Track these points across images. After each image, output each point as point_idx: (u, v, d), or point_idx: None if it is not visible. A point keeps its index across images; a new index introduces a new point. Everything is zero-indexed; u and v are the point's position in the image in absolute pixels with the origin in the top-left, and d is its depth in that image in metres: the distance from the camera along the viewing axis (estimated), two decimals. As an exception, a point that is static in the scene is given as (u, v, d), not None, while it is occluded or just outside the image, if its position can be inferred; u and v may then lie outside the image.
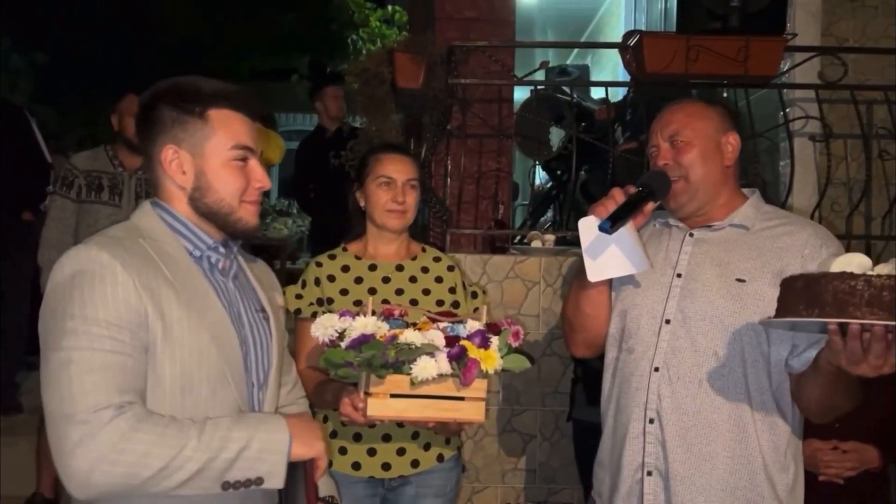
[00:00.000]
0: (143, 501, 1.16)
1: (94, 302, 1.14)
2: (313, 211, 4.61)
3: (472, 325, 1.60)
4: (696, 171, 1.62)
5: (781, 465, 1.55)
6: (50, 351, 1.14)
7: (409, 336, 1.51)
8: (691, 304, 1.58)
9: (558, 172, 4.43)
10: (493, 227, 3.43)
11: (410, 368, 1.50)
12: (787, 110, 3.26)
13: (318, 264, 1.98)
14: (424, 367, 1.49)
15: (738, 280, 1.56)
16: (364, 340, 1.51)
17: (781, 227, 1.62)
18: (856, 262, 1.23)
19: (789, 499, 1.56)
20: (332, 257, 2.00)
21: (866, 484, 2.14)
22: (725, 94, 3.21)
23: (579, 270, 1.64)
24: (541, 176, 4.75)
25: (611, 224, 1.50)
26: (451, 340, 1.55)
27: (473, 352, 1.53)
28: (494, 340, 1.57)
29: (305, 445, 1.22)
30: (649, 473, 1.58)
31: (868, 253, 3.28)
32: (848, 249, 3.18)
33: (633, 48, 3.00)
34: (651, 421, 1.58)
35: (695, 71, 2.87)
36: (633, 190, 1.57)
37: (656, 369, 1.58)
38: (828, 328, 1.24)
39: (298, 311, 1.94)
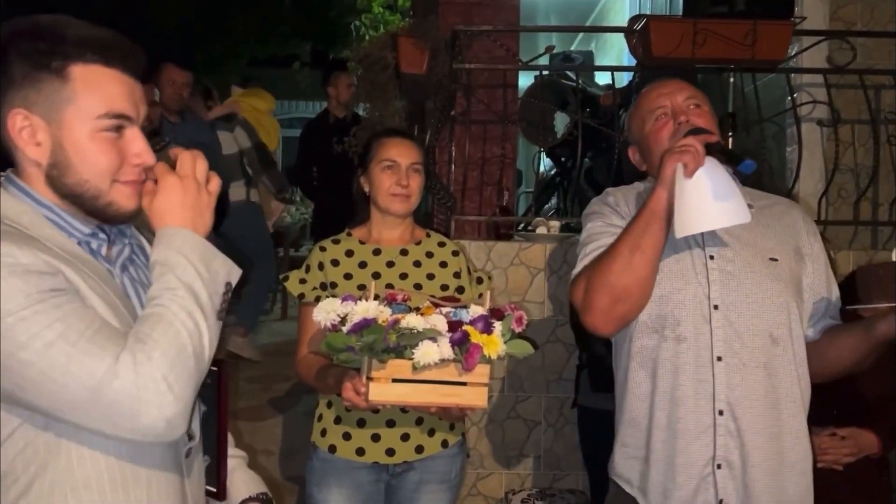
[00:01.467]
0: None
1: (16, 288, 0.94)
2: (317, 197, 4.59)
3: (475, 311, 1.59)
4: (712, 137, 1.56)
5: (807, 434, 1.59)
6: (14, 353, 0.94)
7: (411, 321, 1.50)
8: (737, 288, 1.53)
9: (562, 159, 4.40)
10: (498, 213, 3.41)
11: (412, 353, 1.49)
12: (795, 95, 3.23)
13: (322, 249, 1.97)
14: (426, 352, 1.48)
15: (772, 259, 1.55)
16: (365, 325, 1.49)
17: (776, 206, 1.65)
18: None
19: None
20: (337, 242, 1.99)
21: (866, 471, 2.13)
22: (732, 79, 3.18)
23: (633, 228, 1.50)
24: (545, 163, 4.72)
25: (752, 161, 1.43)
26: (454, 325, 1.54)
27: (476, 337, 1.52)
28: (497, 326, 1.55)
29: (198, 216, 1.07)
30: (719, 466, 1.51)
31: (875, 239, 3.27)
32: (854, 236, 3.19)
33: (640, 32, 2.97)
34: (721, 413, 1.51)
35: (702, 55, 2.84)
36: (711, 138, 1.50)
37: (719, 359, 1.51)
38: None
39: (302, 295, 1.93)
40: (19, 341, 0.94)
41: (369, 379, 1.53)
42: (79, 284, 1.00)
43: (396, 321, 1.50)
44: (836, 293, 1.64)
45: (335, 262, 1.94)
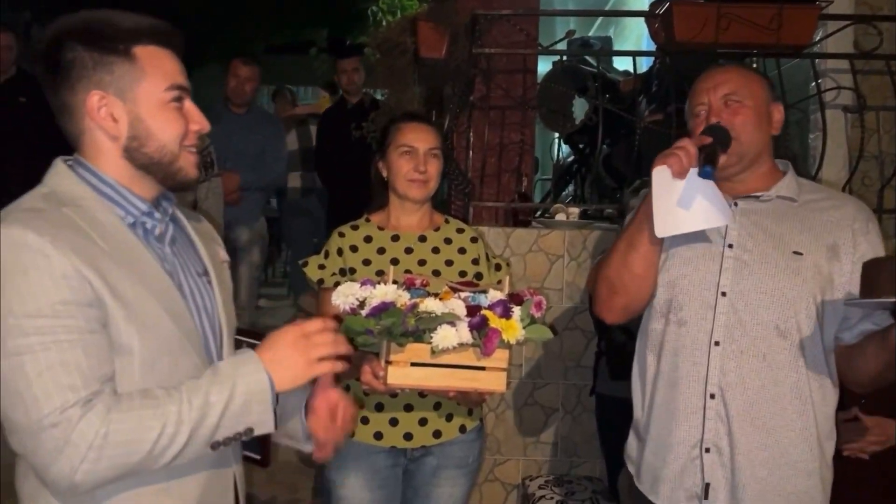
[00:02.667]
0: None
1: (33, 292, 1.00)
2: (334, 183, 4.59)
3: (494, 295, 1.58)
4: (748, 133, 1.58)
5: (829, 434, 1.57)
6: None
7: (430, 304, 1.49)
8: (749, 277, 1.54)
9: (580, 146, 4.37)
10: (517, 200, 3.38)
11: (431, 337, 1.48)
12: (819, 81, 3.18)
13: (341, 234, 1.96)
14: (445, 336, 1.47)
15: (795, 253, 1.54)
16: (384, 308, 1.49)
17: (826, 200, 1.61)
18: None
19: (832, 466, 1.59)
20: (355, 228, 1.98)
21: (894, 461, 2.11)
22: (755, 65, 3.12)
23: (634, 226, 1.59)
24: (563, 150, 4.69)
25: (712, 168, 1.44)
26: (473, 310, 1.53)
27: (495, 321, 1.51)
28: (516, 311, 1.54)
29: (288, 372, 1.12)
30: (707, 450, 1.54)
31: (900, 228, 3.21)
32: (879, 225, 3.14)
33: (662, 17, 2.92)
34: (712, 396, 1.54)
35: (725, 40, 2.79)
36: (707, 140, 1.51)
37: (716, 343, 1.54)
38: None
39: (321, 280, 1.92)
40: (6, 347, 1.00)
41: (388, 362, 1.53)
42: (111, 285, 1.05)
43: (415, 305, 1.49)
44: None
45: (354, 248, 1.93)
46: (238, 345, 1.29)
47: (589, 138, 3.97)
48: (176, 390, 1.06)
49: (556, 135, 4.44)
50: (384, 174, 1.99)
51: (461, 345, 1.49)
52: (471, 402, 1.86)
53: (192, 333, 1.17)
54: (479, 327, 1.50)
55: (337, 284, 1.81)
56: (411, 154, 1.92)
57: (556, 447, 2.90)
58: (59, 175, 1.15)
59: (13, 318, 1.00)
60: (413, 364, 1.52)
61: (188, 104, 1.19)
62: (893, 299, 1.26)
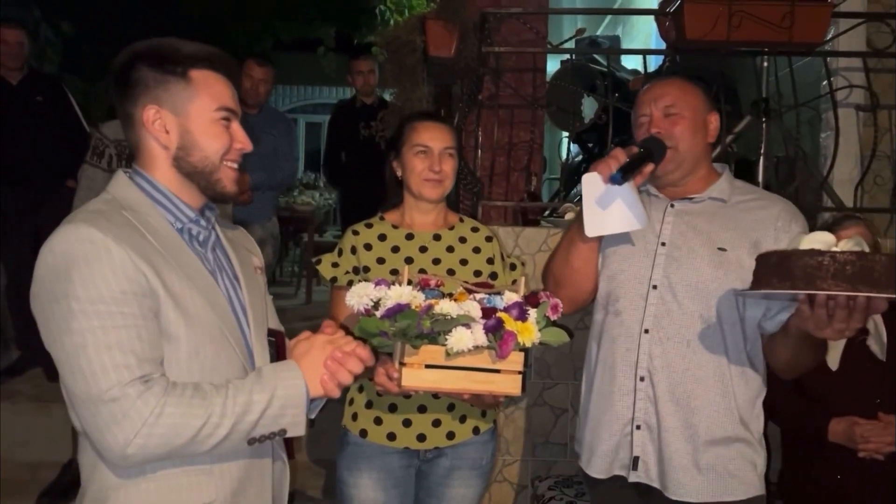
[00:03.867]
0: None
1: (95, 281, 1.14)
2: (343, 182, 4.58)
3: (510, 297, 1.56)
4: (685, 142, 1.74)
5: (753, 415, 1.71)
6: (61, 334, 1.14)
7: (445, 306, 1.48)
8: (677, 271, 1.70)
9: (590, 145, 4.35)
10: (526, 199, 3.37)
11: (446, 339, 1.47)
12: (831, 79, 3.15)
13: (355, 232, 1.95)
14: (460, 339, 1.46)
15: (720, 249, 1.69)
16: (399, 310, 1.48)
17: (755, 201, 1.77)
18: (821, 240, 1.38)
19: (761, 443, 1.73)
20: (369, 226, 1.98)
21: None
22: (766, 63, 3.10)
23: (575, 226, 1.74)
24: (572, 149, 4.67)
25: (621, 175, 1.58)
26: (488, 312, 1.52)
27: (510, 324, 1.50)
28: (532, 313, 1.53)
29: (316, 381, 1.26)
30: (638, 427, 1.71)
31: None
32: (891, 223, 3.12)
33: (673, 15, 2.90)
34: (642, 379, 1.70)
35: (737, 38, 2.77)
36: (634, 150, 1.66)
37: (646, 331, 1.70)
38: (797, 298, 1.41)
39: (334, 279, 1.92)
40: (70, 327, 1.13)
41: (402, 364, 1.52)
42: (163, 279, 1.20)
43: (430, 306, 1.48)
44: None
45: (368, 247, 1.93)
46: None
47: (598, 137, 3.95)
48: (223, 387, 1.19)
49: (565, 134, 4.43)
50: (398, 173, 1.98)
51: (476, 347, 1.47)
52: (485, 405, 1.86)
53: (232, 326, 1.30)
54: (495, 330, 1.48)
55: (350, 283, 1.82)
56: (426, 153, 1.92)
57: (564, 448, 2.89)
58: (120, 184, 1.30)
59: (77, 303, 1.13)
60: (427, 366, 1.51)
61: (235, 125, 1.33)
62: (773, 290, 1.37)
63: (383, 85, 3.73)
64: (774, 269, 1.37)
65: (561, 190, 3.91)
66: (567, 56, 3.95)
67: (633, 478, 1.72)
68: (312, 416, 1.36)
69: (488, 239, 2.00)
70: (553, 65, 4.12)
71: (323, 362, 1.27)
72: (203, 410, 1.15)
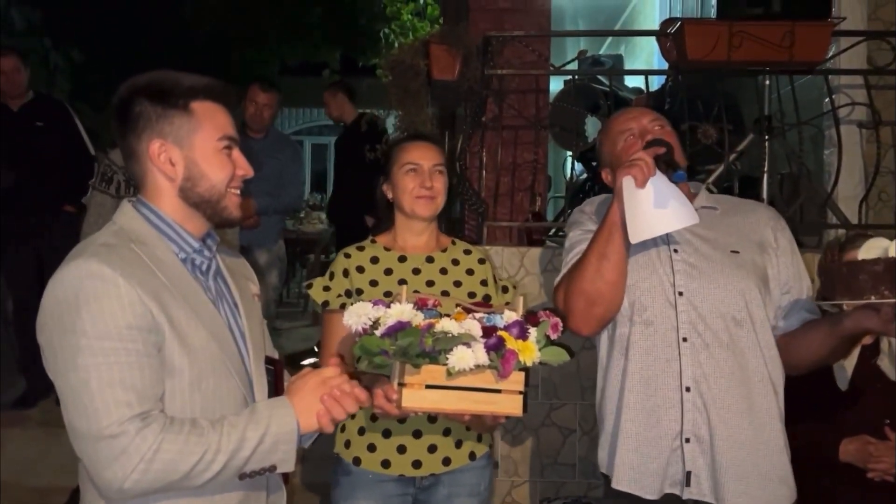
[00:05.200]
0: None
1: (104, 317, 1.16)
2: (346, 205, 4.60)
3: (510, 316, 1.54)
4: (678, 150, 1.75)
5: (782, 415, 1.70)
6: (67, 370, 1.17)
7: (446, 325, 1.46)
8: (699, 276, 1.69)
9: (593, 164, 4.37)
10: (531, 219, 3.39)
11: (447, 358, 1.44)
12: (833, 97, 3.17)
13: (347, 255, 1.94)
14: (461, 357, 1.43)
15: (733, 251, 1.71)
16: (400, 327, 1.46)
17: (741, 205, 1.84)
18: (881, 246, 1.45)
19: (787, 447, 1.71)
20: (361, 249, 1.96)
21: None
22: (768, 82, 3.12)
23: (602, 238, 1.68)
24: (576, 168, 4.69)
25: (684, 171, 1.63)
26: (489, 331, 1.50)
27: (511, 343, 1.48)
28: (533, 332, 1.52)
29: (311, 421, 1.28)
30: (687, 440, 1.65)
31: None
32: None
33: (674, 36, 2.93)
34: (687, 389, 1.65)
35: (738, 58, 2.80)
36: (660, 150, 1.66)
37: (684, 339, 1.66)
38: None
39: (326, 303, 1.89)
40: (76, 362, 1.16)
41: (401, 385, 1.49)
42: (169, 315, 1.22)
43: (431, 325, 1.46)
44: (807, 286, 1.77)
45: (360, 269, 1.91)
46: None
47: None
48: (219, 423, 1.22)
49: (569, 153, 4.46)
50: (389, 196, 1.97)
51: (477, 366, 1.45)
52: (484, 427, 1.83)
53: (233, 356, 1.32)
54: (496, 348, 1.46)
55: (343, 306, 1.80)
56: (417, 171, 1.91)
57: (573, 468, 2.87)
58: (126, 214, 1.32)
59: (85, 339, 1.16)
60: (428, 386, 1.48)
61: (236, 153, 1.35)
62: (860, 301, 1.44)
63: (387, 107, 3.76)
64: (845, 279, 1.45)
65: (565, 208, 3.92)
66: (570, 77, 3.99)
67: (686, 495, 1.66)
68: (306, 446, 1.36)
69: (481, 261, 1.99)
70: (556, 85, 4.16)
71: (320, 398, 1.29)
72: (199, 447, 1.18)
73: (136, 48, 7.10)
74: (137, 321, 1.18)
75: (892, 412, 2.13)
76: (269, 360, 1.42)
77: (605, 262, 1.68)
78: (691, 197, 1.77)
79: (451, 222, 3.42)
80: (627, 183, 1.62)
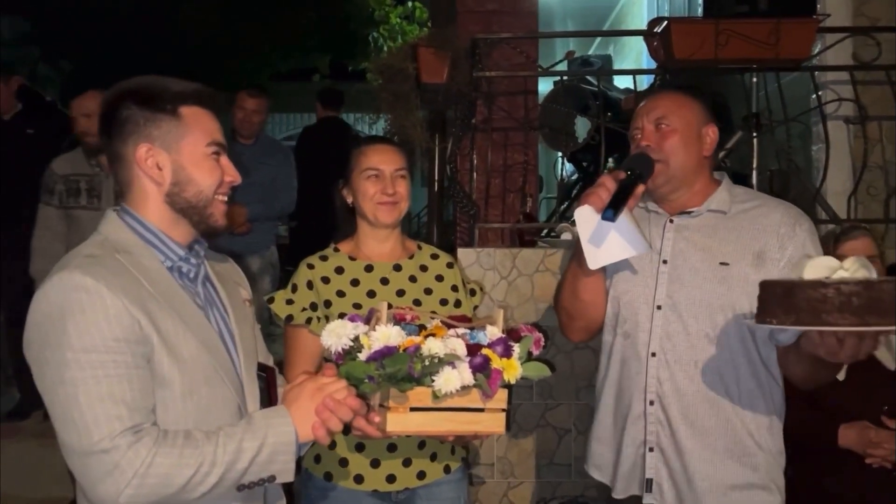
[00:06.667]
0: None
1: (89, 330, 1.14)
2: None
3: (493, 333, 1.49)
4: (676, 157, 1.69)
5: (771, 431, 1.69)
6: (55, 385, 1.15)
7: (433, 346, 1.41)
8: (680, 290, 1.67)
9: (584, 164, 4.39)
10: (522, 220, 3.39)
11: (432, 381, 1.40)
12: (820, 93, 3.19)
13: (310, 266, 1.84)
14: (448, 380, 1.39)
15: (722, 264, 1.65)
16: (387, 353, 1.40)
17: (755, 208, 1.72)
18: (826, 265, 1.33)
19: (779, 459, 1.71)
20: (324, 258, 1.86)
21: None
22: (755, 79, 3.14)
23: (574, 260, 1.72)
24: (567, 168, 4.71)
25: (613, 212, 1.56)
26: (473, 349, 1.45)
27: (496, 361, 1.43)
28: (516, 348, 1.48)
29: (308, 431, 1.26)
30: (651, 449, 1.69)
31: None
32: (885, 234, 3.14)
33: (661, 35, 2.95)
34: (651, 403, 1.68)
35: (725, 56, 2.81)
36: (622, 175, 1.62)
37: (653, 354, 1.68)
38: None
39: (290, 317, 1.79)
40: (63, 377, 1.14)
41: (385, 408, 1.43)
42: (157, 325, 1.20)
43: (417, 347, 1.41)
44: None
45: (325, 280, 1.82)
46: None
47: (592, 156, 3.98)
48: (214, 434, 1.19)
49: (560, 153, 4.47)
50: (349, 201, 1.89)
51: (464, 388, 1.41)
52: (464, 443, 1.81)
53: (225, 363, 1.30)
54: (482, 369, 1.42)
55: (309, 320, 1.75)
56: (378, 176, 1.83)
57: (569, 468, 2.88)
58: (111, 223, 1.30)
59: (71, 353, 1.14)
60: (412, 409, 1.43)
61: (224, 159, 1.34)
62: (778, 326, 1.33)
63: (377, 111, 3.76)
64: (780, 300, 1.30)
65: (556, 209, 3.93)
66: (559, 78, 4.00)
67: (646, 499, 1.70)
68: (302, 454, 1.34)
69: (449, 265, 1.93)
70: (545, 86, 4.17)
71: (315, 409, 1.26)
72: (194, 459, 1.16)
73: (126, 57, 7.09)
74: (124, 333, 1.16)
75: (889, 400, 2.14)
76: (261, 367, 1.40)
77: (577, 282, 1.74)
78: (707, 194, 1.72)
79: (443, 225, 3.43)
80: (583, 211, 1.62)
